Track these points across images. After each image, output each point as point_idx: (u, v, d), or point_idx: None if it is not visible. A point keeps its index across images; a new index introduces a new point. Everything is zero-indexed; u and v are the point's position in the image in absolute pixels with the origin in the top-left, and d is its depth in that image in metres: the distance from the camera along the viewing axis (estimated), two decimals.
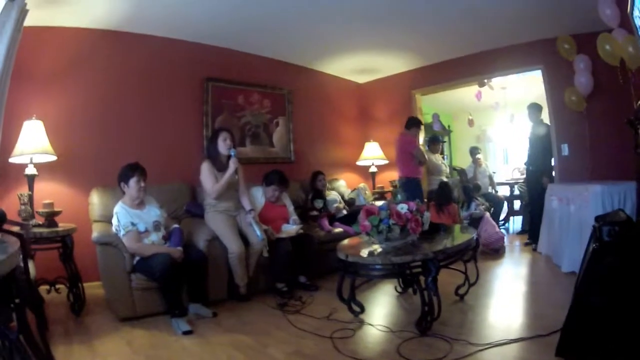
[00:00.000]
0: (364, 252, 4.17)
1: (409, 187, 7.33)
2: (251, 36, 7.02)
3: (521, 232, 9.46)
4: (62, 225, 4.80)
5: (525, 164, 8.38)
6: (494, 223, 7.78)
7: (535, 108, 7.94)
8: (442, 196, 7.56)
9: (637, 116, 3.75)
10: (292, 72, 8.64)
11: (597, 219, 3.21)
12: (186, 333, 4.10)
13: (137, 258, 4.53)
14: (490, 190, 9.87)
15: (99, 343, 3.91)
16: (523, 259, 7.19)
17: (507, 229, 10.38)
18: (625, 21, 5.04)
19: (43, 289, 4.78)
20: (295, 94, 8.59)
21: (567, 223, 5.92)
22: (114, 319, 4.53)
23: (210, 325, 4.38)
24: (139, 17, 5.86)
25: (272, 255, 5.41)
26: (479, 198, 8.60)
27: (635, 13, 3.82)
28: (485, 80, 9.85)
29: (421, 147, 8.27)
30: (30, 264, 4.41)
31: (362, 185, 8.64)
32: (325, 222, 6.81)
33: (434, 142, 9.57)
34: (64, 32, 5.78)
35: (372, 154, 9.41)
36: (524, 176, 8.99)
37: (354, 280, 4.44)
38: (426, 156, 8.20)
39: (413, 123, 8.10)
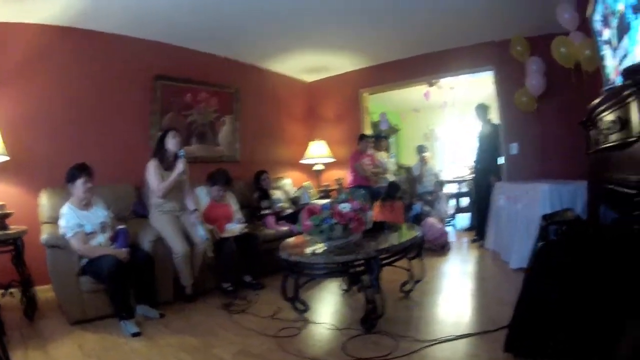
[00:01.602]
0: (307, 252, 4.21)
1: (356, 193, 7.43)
2: (201, 34, 7.00)
3: (469, 229, 9.60)
4: (14, 228, 4.73)
5: (474, 162, 8.51)
6: (434, 222, 7.88)
7: (482, 108, 8.07)
8: (387, 193, 7.67)
9: (590, 117, 3.84)
10: (240, 70, 8.62)
11: (544, 217, 3.29)
12: (135, 335, 4.10)
13: (84, 260, 4.51)
14: (433, 189, 9.88)
15: (52, 347, 3.90)
16: (470, 255, 7.28)
17: (454, 226, 10.54)
18: (584, 25, 5.15)
19: None
20: (243, 92, 8.55)
21: (515, 221, 6.01)
22: (65, 322, 4.51)
23: (158, 327, 4.38)
24: (94, 12, 5.77)
25: (216, 255, 5.43)
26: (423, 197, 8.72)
27: (596, 17, 3.91)
28: (434, 80, 9.96)
29: (365, 162, 8.39)
30: None
31: (306, 183, 8.77)
32: (272, 221, 6.85)
33: (379, 140, 9.64)
34: (16, 29, 5.70)
35: (318, 153, 9.48)
36: (473, 174, 9.10)
37: (297, 279, 4.47)
38: (365, 168, 8.30)
39: (360, 137, 8.49)
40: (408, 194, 8.51)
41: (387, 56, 8.85)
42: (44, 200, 5.17)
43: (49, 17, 5.75)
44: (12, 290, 4.84)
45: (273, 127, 9.45)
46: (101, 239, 4.67)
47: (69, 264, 4.48)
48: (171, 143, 5.35)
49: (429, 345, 3.50)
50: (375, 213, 6.86)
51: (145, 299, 4.72)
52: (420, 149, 10.37)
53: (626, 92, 2.59)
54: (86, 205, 4.71)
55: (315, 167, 9.60)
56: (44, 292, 5.11)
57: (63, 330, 4.35)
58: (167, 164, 5.35)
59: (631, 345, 2.31)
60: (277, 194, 7.65)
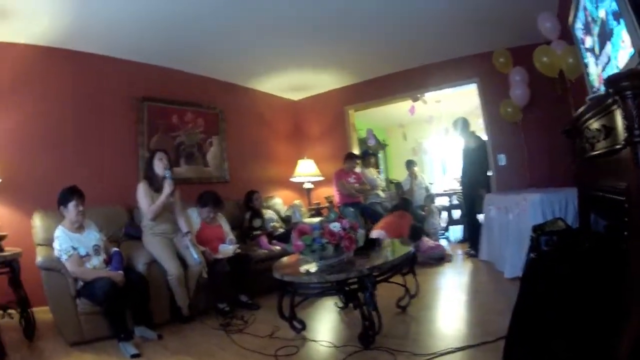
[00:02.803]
0: (300, 271, 4.20)
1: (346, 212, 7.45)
2: (185, 54, 7.05)
3: (462, 241, 9.59)
4: (8, 249, 4.73)
5: (460, 176, 8.57)
6: (427, 239, 7.93)
7: (461, 123, 8.19)
8: (398, 206, 7.74)
9: (575, 126, 3.88)
10: (225, 90, 8.67)
11: (534, 228, 3.29)
12: (134, 357, 4.07)
13: (80, 283, 4.51)
14: (423, 203, 9.93)
15: None
16: (465, 267, 7.26)
17: (447, 238, 10.53)
18: (565, 33, 5.20)
19: None
20: (229, 112, 8.63)
21: (507, 231, 6.04)
22: (64, 344, 4.49)
23: (156, 348, 4.36)
24: (79, 33, 5.80)
25: (210, 276, 5.41)
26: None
27: (577, 25, 3.95)
28: (419, 95, 10.03)
29: (349, 180, 8.55)
30: None
31: (297, 202, 8.73)
32: (265, 241, 6.83)
33: (365, 156, 9.72)
34: (4, 49, 5.71)
35: (306, 171, 9.52)
36: (461, 188, 9.13)
37: (293, 298, 4.48)
38: (347, 187, 8.42)
39: (346, 157, 8.68)
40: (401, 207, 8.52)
41: (371, 73, 8.96)
42: (37, 222, 5.14)
43: (34, 36, 5.78)
44: (10, 311, 4.82)
45: (261, 146, 9.47)
46: (95, 261, 4.66)
47: (65, 286, 4.46)
48: (157, 165, 5.36)
49: (428, 359, 3.51)
50: (384, 223, 6.92)
51: (142, 320, 4.71)
52: (409, 164, 10.44)
53: (609, 101, 2.63)
54: (79, 228, 4.71)
55: (305, 186, 9.60)
56: (42, 313, 5.01)
57: (62, 351, 4.33)
58: (156, 185, 5.35)
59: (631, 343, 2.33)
60: (268, 214, 7.64)
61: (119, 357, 4.14)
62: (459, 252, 8.61)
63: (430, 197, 10.36)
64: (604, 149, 3.01)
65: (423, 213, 9.16)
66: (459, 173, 8.88)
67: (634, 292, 2.33)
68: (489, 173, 8.09)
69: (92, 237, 4.79)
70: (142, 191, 5.28)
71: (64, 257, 4.45)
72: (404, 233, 6.88)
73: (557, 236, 3.00)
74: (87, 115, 6.45)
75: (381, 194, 9.26)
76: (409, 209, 7.73)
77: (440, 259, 7.54)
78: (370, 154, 10.10)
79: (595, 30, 3.41)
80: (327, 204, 8.96)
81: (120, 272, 4.61)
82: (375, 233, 6.59)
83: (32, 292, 4.85)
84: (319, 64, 8.13)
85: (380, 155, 15.18)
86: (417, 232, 7.91)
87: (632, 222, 2.42)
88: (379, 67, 8.63)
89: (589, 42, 3.72)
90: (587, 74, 3.91)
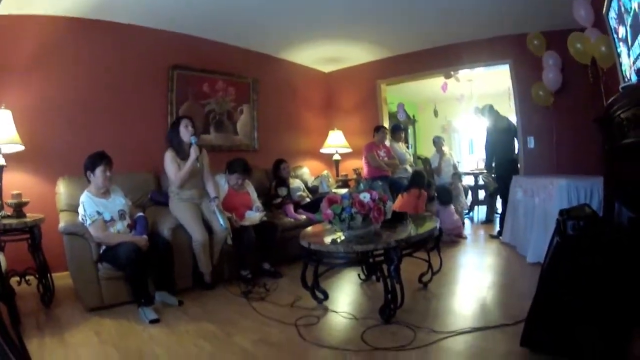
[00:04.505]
0: (327, 240, 4.20)
1: (374, 185, 7.38)
2: (218, 24, 7.01)
3: (485, 222, 9.61)
4: (30, 216, 4.74)
5: (488, 156, 8.50)
6: (452, 212, 7.93)
7: (488, 109, 8.27)
8: (412, 182, 7.58)
9: (607, 114, 3.81)
10: (257, 60, 8.63)
11: (561, 212, 3.24)
12: (153, 322, 4.11)
13: (103, 247, 4.52)
14: (450, 180, 9.80)
15: (69, 335, 3.90)
16: (487, 248, 7.18)
17: (471, 219, 10.49)
18: (599, 21, 5.10)
19: (14, 280, 4.72)
20: (261, 82, 8.58)
21: (532, 215, 6.01)
22: (82, 309, 4.52)
23: (176, 314, 4.39)
24: (107, 4, 5.79)
25: (236, 243, 5.41)
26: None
27: (611, 14, 3.88)
28: (452, 72, 9.92)
29: (380, 153, 8.41)
30: (1, 256, 4.41)
31: (325, 172, 8.72)
32: (291, 209, 6.86)
33: (396, 130, 9.62)
34: (32, 21, 5.69)
35: (336, 142, 9.53)
36: (493, 168, 8.92)
37: (317, 268, 4.50)
38: (378, 159, 8.30)
39: (376, 129, 8.55)
40: (434, 185, 8.45)
41: (404, 47, 8.84)
42: (62, 188, 5.18)
43: (60, 9, 5.77)
44: (28, 277, 4.83)
45: (291, 117, 9.48)
46: (120, 226, 4.67)
47: (87, 251, 4.49)
48: (183, 133, 5.33)
49: (446, 337, 3.51)
50: (398, 202, 6.88)
51: (164, 286, 4.75)
52: (437, 141, 10.37)
53: None
54: (105, 193, 4.72)
55: (334, 157, 9.59)
56: (60, 279, 5.09)
57: (80, 317, 4.36)
58: (183, 153, 5.33)
59: None
60: (296, 183, 7.65)
61: (137, 322, 4.18)
62: (481, 232, 8.65)
63: (458, 175, 10.24)
64: (634, 139, 2.96)
65: (451, 189, 9.04)
66: (484, 154, 8.79)
67: None
68: (515, 155, 8.07)
69: (117, 202, 4.81)
70: (168, 159, 5.27)
71: (88, 222, 4.46)
72: (420, 211, 6.83)
73: (583, 221, 2.96)
74: (115, 83, 6.47)
75: (409, 168, 9.11)
76: (423, 184, 7.62)
77: (457, 236, 7.62)
78: (400, 129, 9.99)
79: (629, 20, 3.35)
80: (354, 176, 9.08)
81: (145, 236, 4.63)
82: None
83: (52, 259, 4.91)
84: (352, 36, 8.06)
85: (410, 130, 15.12)
86: (447, 195, 8.05)
87: None
88: (412, 42, 8.54)
89: (622, 32, 3.66)
90: (620, 64, 3.85)
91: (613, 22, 3.90)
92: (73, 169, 5.07)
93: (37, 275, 4.74)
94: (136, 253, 4.29)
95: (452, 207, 8.03)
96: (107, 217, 4.59)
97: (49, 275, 4.80)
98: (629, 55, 3.49)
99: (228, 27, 7.17)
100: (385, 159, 8.36)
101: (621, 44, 3.73)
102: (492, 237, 7.82)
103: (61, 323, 4.21)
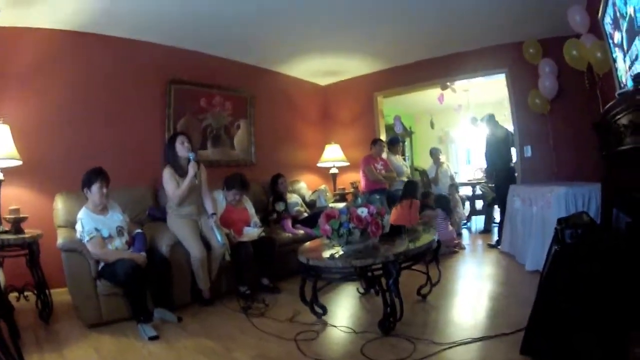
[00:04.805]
0: (325, 256, 4.20)
1: (372, 199, 7.40)
2: (215, 38, 7.02)
3: (483, 232, 9.59)
4: (28, 232, 4.73)
5: (487, 166, 8.53)
6: (447, 224, 7.92)
7: (491, 119, 8.26)
8: (405, 192, 7.56)
9: (604, 120, 3.83)
10: (254, 74, 8.63)
11: (559, 221, 3.27)
12: (152, 338, 4.10)
13: (102, 264, 4.52)
14: (447, 192, 9.75)
15: (68, 350, 3.90)
16: (486, 258, 7.19)
17: (469, 229, 10.50)
18: (595, 27, 5.14)
19: (12, 296, 4.74)
20: (257, 96, 8.57)
21: (530, 223, 6.00)
22: (81, 325, 4.51)
23: (175, 330, 4.38)
24: (106, 17, 5.78)
25: (234, 259, 5.41)
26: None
27: (607, 20, 3.90)
28: (448, 83, 9.94)
29: (377, 166, 8.45)
30: (0, 272, 4.41)
31: (322, 187, 8.72)
32: (289, 224, 6.84)
33: (393, 143, 9.61)
34: (29, 34, 5.71)
35: (333, 156, 9.51)
36: (492, 177, 8.94)
37: (315, 283, 4.48)
38: (375, 172, 8.32)
39: (373, 142, 8.61)
40: (432, 195, 8.46)
41: (402, 59, 8.89)
42: (59, 204, 5.16)
43: (58, 21, 5.78)
44: (27, 293, 4.84)
45: (288, 131, 9.49)
46: (118, 243, 4.67)
47: (85, 268, 4.48)
48: (180, 149, 5.31)
49: (447, 349, 3.50)
50: (393, 216, 6.89)
51: (162, 302, 4.74)
52: (434, 152, 10.39)
53: (638, 97, 2.59)
54: (102, 209, 4.71)
55: (331, 171, 9.57)
56: (59, 295, 5.08)
57: (79, 333, 4.35)
58: (181, 170, 5.31)
59: None
60: (293, 198, 7.64)
61: (136, 339, 4.16)
62: (479, 242, 8.62)
63: (455, 186, 10.25)
64: (632, 145, 2.98)
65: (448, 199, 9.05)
66: (483, 164, 8.80)
67: None
68: (512, 164, 8.11)
69: (115, 218, 4.80)
70: (167, 176, 5.25)
71: (86, 239, 4.45)
72: (414, 221, 6.84)
73: (581, 229, 2.98)
74: (112, 98, 6.47)
75: (411, 179, 9.15)
76: (414, 193, 7.61)
77: (454, 247, 7.61)
78: (398, 141, 10.00)
79: (624, 25, 3.37)
80: (352, 190, 9.06)
81: (143, 254, 4.62)
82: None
83: (50, 275, 4.91)
84: (349, 49, 8.08)
85: (407, 142, 15.12)
86: (446, 203, 8.09)
87: None
88: (409, 54, 8.58)
89: (617, 37, 3.69)
90: (616, 69, 3.87)
91: (608, 28, 3.93)
92: (71, 184, 5.04)
93: (35, 291, 4.74)
94: (134, 270, 4.28)
95: (448, 219, 8.03)
96: (105, 233, 4.57)
97: (47, 291, 4.80)
98: (624, 61, 3.51)
99: (225, 41, 7.19)
100: (383, 171, 8.39)
101: (617, 49, 3.75)
102: (490, 246, 7.80)
103: (60, 339, 4.20)
